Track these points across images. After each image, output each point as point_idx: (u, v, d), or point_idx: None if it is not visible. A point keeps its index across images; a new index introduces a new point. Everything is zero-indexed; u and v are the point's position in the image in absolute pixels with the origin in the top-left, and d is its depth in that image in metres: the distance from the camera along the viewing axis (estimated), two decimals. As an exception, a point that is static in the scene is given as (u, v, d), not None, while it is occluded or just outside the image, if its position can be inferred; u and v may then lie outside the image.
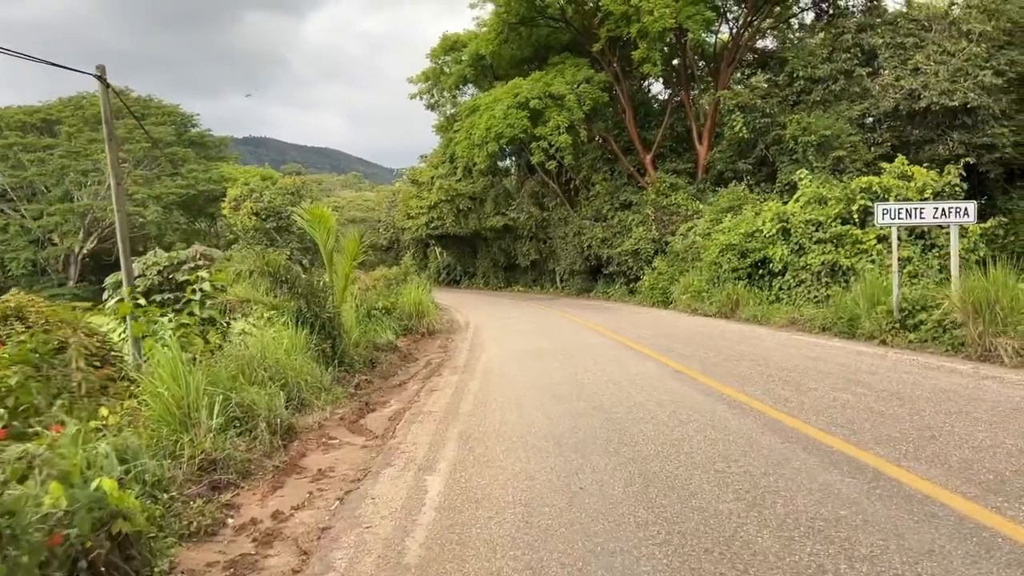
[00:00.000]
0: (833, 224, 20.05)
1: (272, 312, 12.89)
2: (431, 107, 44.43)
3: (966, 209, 13.26)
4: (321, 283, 12.98)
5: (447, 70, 41.21)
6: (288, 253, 47.31)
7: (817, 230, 20.21)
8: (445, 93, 43.20)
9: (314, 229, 12.94)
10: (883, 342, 13.16)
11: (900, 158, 20.97)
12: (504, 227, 45.64)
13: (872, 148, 29.77)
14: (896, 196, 19.64)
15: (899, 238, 19.90)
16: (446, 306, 32.16)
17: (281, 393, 8.73)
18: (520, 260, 45.94)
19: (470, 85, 42.39)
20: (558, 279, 42.62)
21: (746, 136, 31.42)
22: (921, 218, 13.56)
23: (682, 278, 25.33)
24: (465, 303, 35.41)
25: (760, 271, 21.36)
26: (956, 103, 27.48)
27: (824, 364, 10.89)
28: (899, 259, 19.30)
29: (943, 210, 13.37)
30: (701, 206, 29.58)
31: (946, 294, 12.70)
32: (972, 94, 27.38)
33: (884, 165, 20.79)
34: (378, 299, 20.15)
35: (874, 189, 19.85)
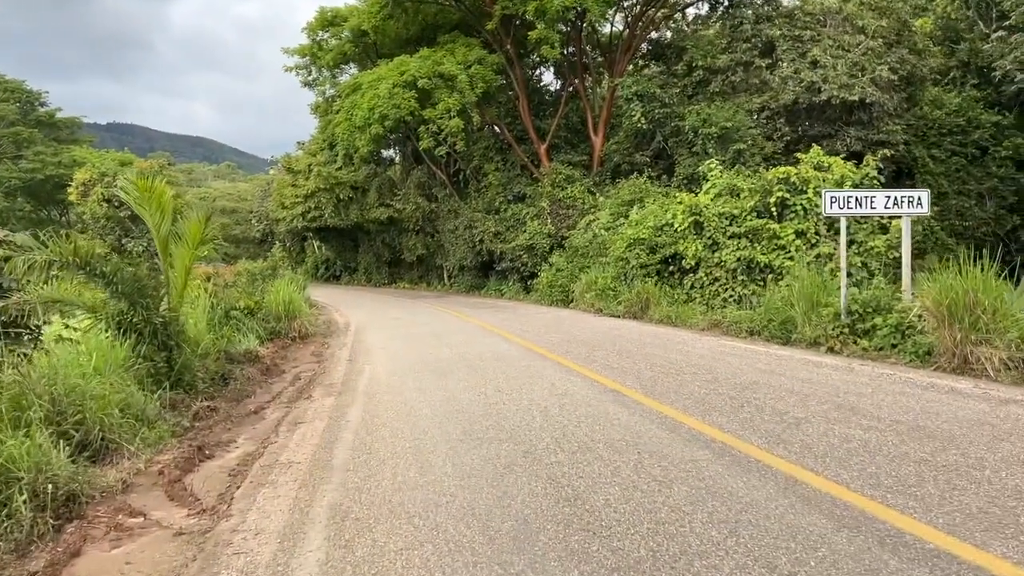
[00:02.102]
0: (748, 218, 18.56)
1: (90, 317, 9.84)
2: (307, 85, 40.76)
3: (920, 199, 11.78)
4: (154, 279, 9.99)
5: (326, 46, 37.74)
6: (144, 245, 42.67)
7: (731, 224, 18.66)
8: (324, 72, 39.69)
9: (143, 208, 9.92)
10: (831, 350, 11.47)
11: (816, 148, 19.75)
12: (388, 219, 42.61)
13: (771, 142, 28.98)
14: (815, 188, 18.35)
15: (817, 232, 18.87)
16: (324, 304, 29.07)
17: (62, 441, 5.88)
18: (406, 255, 43.06)
19: (352, 64, 39.08)
20: (446, 275, 40.09)
21: (644, 126, 29.95)
22: (872, 207, 11.97)
23: (584, 275, 23.39)
24: (346, 301, 32.34)
25: (671, 267, 19.66)
26: (855, 98, 26.91)
27: (786, 380, 8.95)
28: (819, 256, 18.13)
29: (896, 199, 11.84)
30: (601, 198, 27.82)
31: (914, 295, 11.12)
32: (870, 88, 26.91)
33: (800, 156, 19.50)
34: (239, 297, 17.05)
35: (792, 180, 18.48)
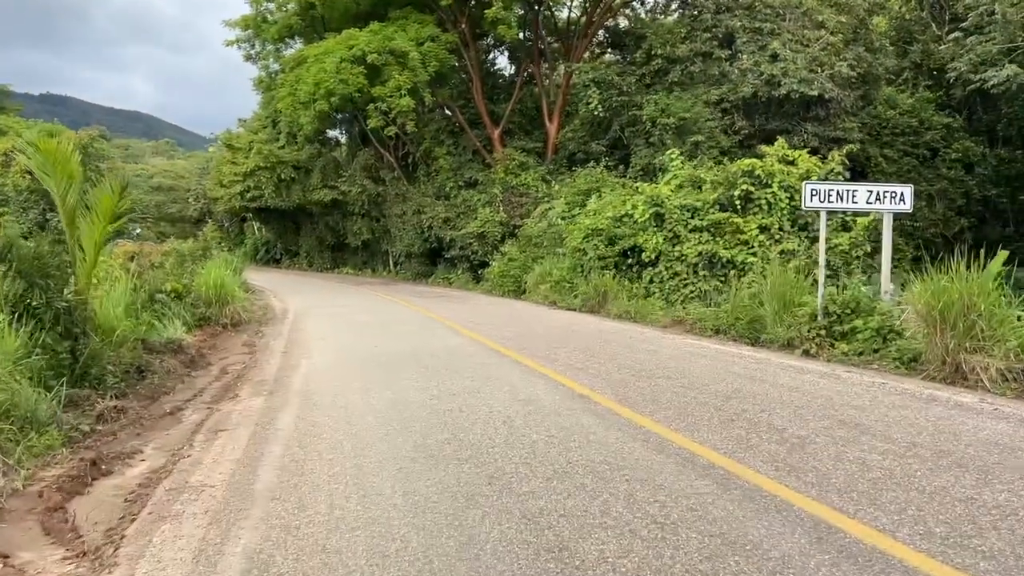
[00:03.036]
0: (711, 211, 17.84)
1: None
2: (250, 59, 38.79)
3: (903, 194, 11.12)
4: (58, 257, 8.63)
5: (270, 18, 35.87)
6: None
7: (693, 217, 17.91)
8: (268, 45, 37.76)
9: (46, 174, 8.56)
10: (807, 353, 10.72)
11: (781, 141, 19.12)
12: (332, 202, 40.91)
13: (728, 135, 28.49)
14: (780, 182, 17.74)
15: (782, 228, 18.26)
16: (262, 288, 27.55)
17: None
18: (350, 239, 41.46)
19: (298, 39, 37.21)
20: (392, 262, 38.71)
21: (601, 115, 29.12)
22: (854, 202, 11.25)
23: (537, 266, 22.45)
24: (285, 286, 30.83)
25: (630, 260, 18.81)
26: (815, 93, 26.54)
27: (771, 388, 8.12)
28: (783, 252, 17.50)
29: (878, 194, 11.14)
30: (556, 186, 26.88)
31: (894, 297, 10.44)
32: (828, 84, 26.60)
33: (765, 148, 18.84)
34: (166, 280, 15.60)
35: (757, 173, 17.80)
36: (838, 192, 11.23)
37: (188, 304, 15.49)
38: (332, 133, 44.97)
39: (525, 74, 34.71)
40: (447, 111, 34.84)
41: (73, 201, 8.68)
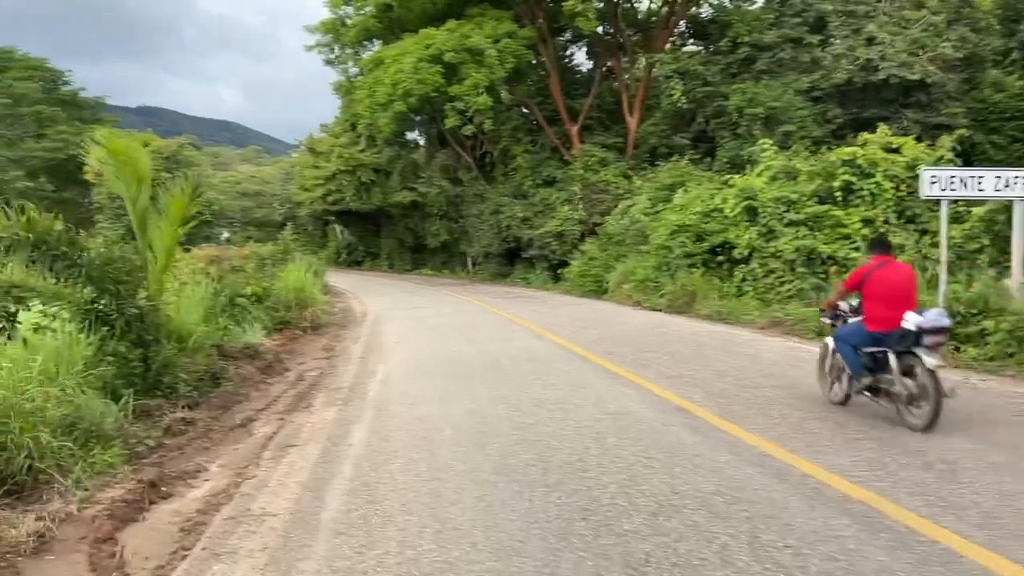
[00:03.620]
0: (808, 203, 16.67)
1: (57, 305, 8.30)
2: (330, 63, 39.17)
3: (1038, 180, 9.89)
4: (129, 262, 8.38)
5: (348, 22, 36.05)
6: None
7: (789, 210, 16.77)
8: (347, 49, 37.99)
9: (116, 176, 8.33)
10: (929, 357, 9.63)
11: (883, 128, 17.78)
12: (412, 203, 40.97)
13: (821, 124, 26.99)
14: (883, 171, 16.45)
15: (887, 220, 16.92)
16: (343, 291, 27.60)
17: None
18: (429, 240, 41.41)
19: (375, 41, 37.31)
20: (470, 263, 38.39)
21: (685, 106, 28.03)
22: (980, 189, 10.11)
23: (620, 264, 21.62)
24: (366, 288, 30.83)
25: (719, 257, 17.80)
26: (916, 77, 24.85)
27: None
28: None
29: (1008, 180, 9.95)
30: (639, 182, 25.95)
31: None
32: (931, 67, 24.83)
33: (867, 136, 17.54)
34: (247, 283, 15.49)
35: (858, 162, 16.54)
36: (961, 179, 10.10)
37: (268, 307, 15.35)
38: (411, 135, 45.11)
39: (604, 68, 33.86)
40: (524, 109, 34.28)
41: (144, 204, 8.43)
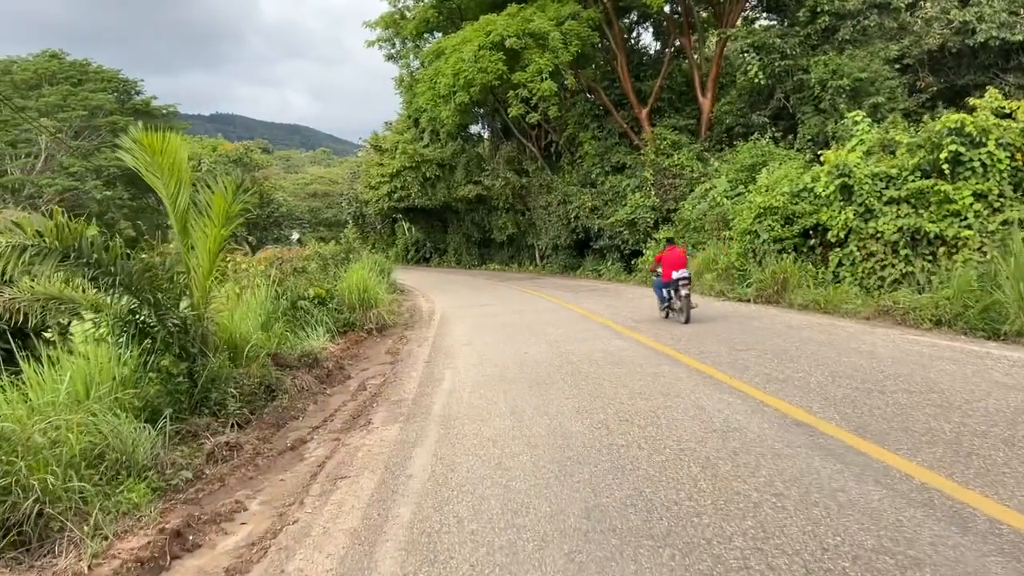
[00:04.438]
0: (911, 178, 15.03)
1: (92, 319, 7.67)
2: (391, 59, 38.62)
3: None
4: (169, 269, 7.66)
5: (408, 14, 35.42)
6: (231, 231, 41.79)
7: (888, 186, 15.18)
8: (408, 43, 37.38)
9: (152, 174, 7.60)
10: (1083, 349, 8.20)
11: (992, 91, 15.92)
12: (477, 197, 40.20)
13: (913, 95, 25.03)
14: (996, 139, 14.69)
15: (1002, 194, 15.17)
16: (411, 288, 26.98)
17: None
18: (496, 235, 40.60)
19: (436, 33, 36.60)
20: (539, 256, 37.38)
21: (762, 82, 26.32)
22: None
23: (699, 252, 20.28)
24: (433, 284, 30.17)
25: (812, 241, 16.32)
26: (1018, 38, 22.70)
27: (1071, 406, 5.86)
28: (1006, 222, 14.50)
29: None
30: (715, 163, 24.46)
31: None
32: (1038, 25, 22.65)
33: (975, 101, 15.76)
34: (309, 285, 14.85)
35: (967, 131, 14.81)
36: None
37: (332, 310, 14.68)
38: (474, 129, 44.41)
39: (673, 48, 32.32)
40: (590, 94, 33.02)
41: (184, 204, 7.68)
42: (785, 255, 16.29)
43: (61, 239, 6.73)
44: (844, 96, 23.61)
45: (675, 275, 13.35)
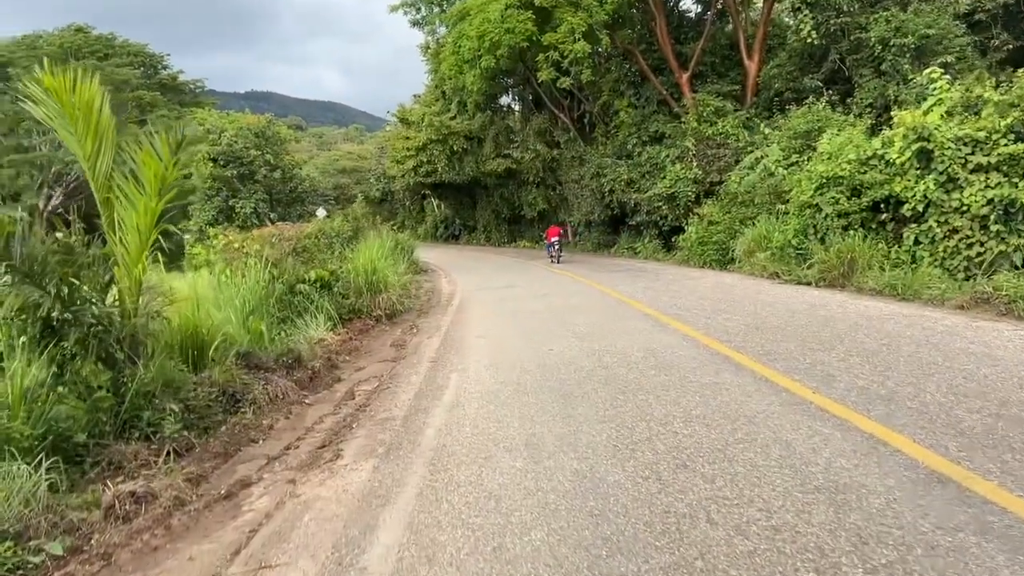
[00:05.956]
0: (1002, 142, 12.83)
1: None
2: (416, 24, 36.68)
3: None
4: (84, 252, 5.95)
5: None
6: (252, 205, 40.32)
7: (975, 152, 12.99)
8: (433, 7, 35.38)
9: (64, 127, 5.87)
10: None
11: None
12: (507, 171, 38.25)
13: (987, 54, 22.53)
14: (1107, 94, 12.46)
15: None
16: (434, 267, 25.30)
17: None
18: (526, 211, 38.68)
19: (462, -4, 34.56)
20: (570, 233, 35.38)
21: (815, 42, 23.90)
22: None
23: (748, 229, 18.22)
24: (459, 263, 28.46)
25: (883, 216, 14.20)
26: (1109, -12, 20.11)
27: None
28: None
29: None
30: (767, 130, 22.25)
31: None
32: None
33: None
34: (307, 268, 13.17)
35: (1073, 85, 12.59)
36: None
37: (336, 294, 13.02)
38: (504, 100, 42.41)
39: (716, 8, 29.93)
40: (626, 59, 30.78)
41: (105, 168, 5.94)
42: (852, 232, 14.22)
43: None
44: (908, 56, 21.23)
45: (553, 240, 27.16)
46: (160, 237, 6.38)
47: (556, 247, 26.45)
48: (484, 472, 4.81)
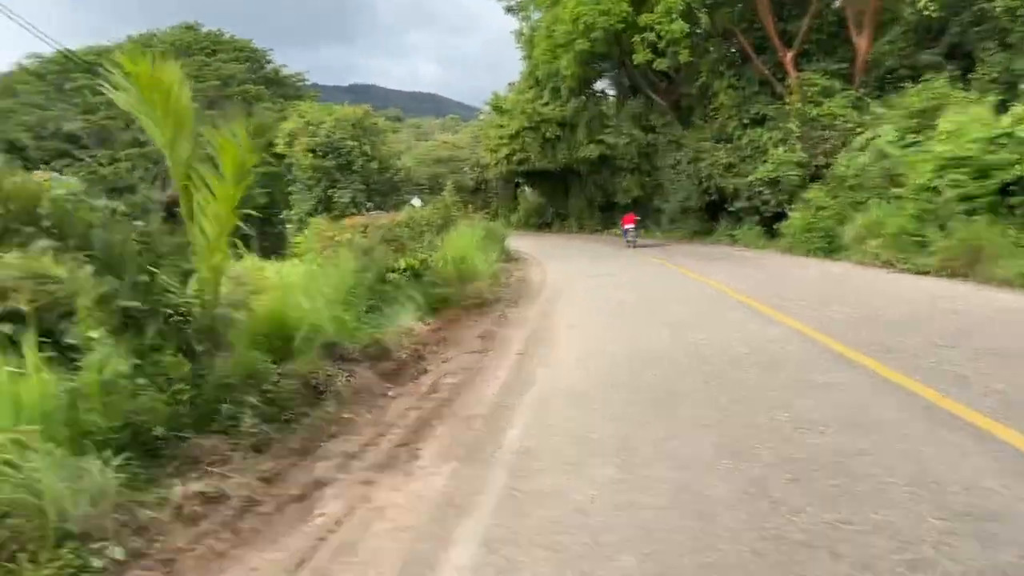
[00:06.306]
0: None
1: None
2: (511, 11, 36.33)
3: None
4: (159, 239, 5.86)
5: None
6: (350, 196, 41.02)
7: (1124, 126, 11.65)
8: (528, -10, 34.97)
9: (142, 112, 5.77)
10: None
11: None
12: (600, 158, 37.57)
13: None
14: None
15: None
16: (526, 256, 24.97)
17: None
18: (620, 197, 37.87)
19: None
20: (666, 219, 34.38)
21: (933, 15, 22.19)
22: None
23: (859, 215, 17.07)
24: (550, 252, 28.02)
25: (1012, 199, 12.96)
26: None
27: None
28: None
29: None
30: (879, 109, 20.84)
31: None
32: None
33: None
34: (397, 256, 13.04)
35: None
36: None
37: (425, 283, 12.85)
38: (598, 86, 41.68)
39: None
40: (725, 39, 29.54)
41: (184, 154, 5.81)
42: (977, 217, 13.03)
43: (8, 200, 5.00)
44: (1044, 24, 19.51)
45: (628, 226, 28.18)
46: (242, 224, 6.23)
47: (632, 233, 27.81)
48: (570, 481, 4.39)
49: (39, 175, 8.84)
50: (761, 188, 24.42)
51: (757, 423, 5.24)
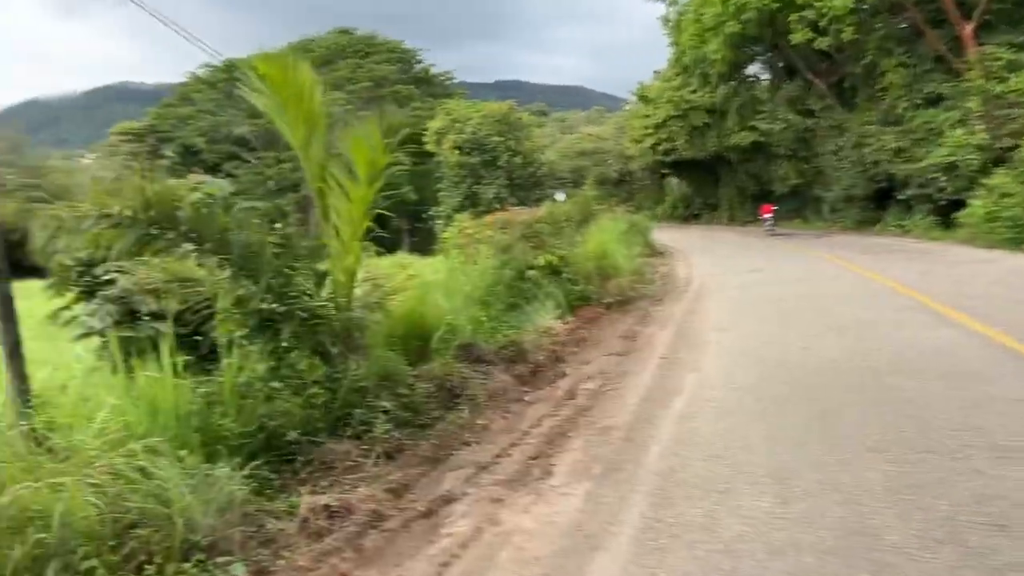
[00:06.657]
0: None
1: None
2: (654, -5, 35.21)
3: None
4: (301, 243, 5.82)
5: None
6: (494, 192, 41.34)
7: None
8: (674, -24, 33.76)
9: (275, 112, 5.74)
10: None
11: None
12: (753, 145, 35.85)
13: None
14: None
15: None
16: (672, 249, 24.12)
17: None
18: (776, 186, 35.98)
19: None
20: (827, 209, 32.24)
21: None
22: None
23: (1053, 202, 15.14)
24: (698, 245, 26.98)
25: None
26: None
27: None
28: None
29: None
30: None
31: None
32: None
33: None
34: (536, 253, 12.76)
35: None
36: None
37: (564, 280, 12.52)
38: (749, 70, 39.71)
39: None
40: (893, 14, 27.20)
41: (318, 154, 5.74)
42: None
43: (152, 206, 5.08)
44: None
45: (767, 215, 30.35)
46: (374, 224, 6.12)
47: (771, 222, 30.11)
48: (719, 512, 3.90)
49: (193, 178, 9.21)
50: (936, 174, 22.33)
51: (940, 447, 4.51)
